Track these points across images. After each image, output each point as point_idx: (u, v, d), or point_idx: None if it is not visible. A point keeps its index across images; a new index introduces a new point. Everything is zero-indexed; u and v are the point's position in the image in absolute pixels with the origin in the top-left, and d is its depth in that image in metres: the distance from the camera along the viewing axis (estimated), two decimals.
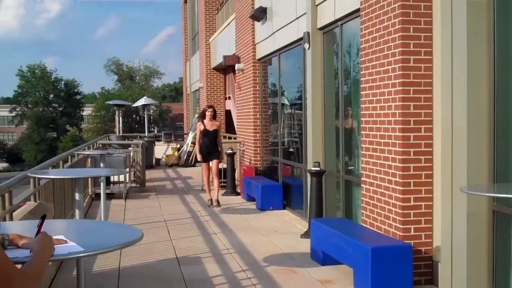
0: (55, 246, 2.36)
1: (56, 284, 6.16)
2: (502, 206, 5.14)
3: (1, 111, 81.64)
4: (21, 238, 2.50)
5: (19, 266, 2.01)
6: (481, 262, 5.24)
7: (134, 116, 66.48)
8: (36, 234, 2.39)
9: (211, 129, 11.33)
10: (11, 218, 5.27)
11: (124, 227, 3.60)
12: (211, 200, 11.29)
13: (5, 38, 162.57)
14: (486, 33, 5.17)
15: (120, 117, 22.77)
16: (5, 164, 70.01)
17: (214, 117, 11.51)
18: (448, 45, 5.45)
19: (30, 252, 2.20)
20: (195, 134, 20.29)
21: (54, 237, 2.40)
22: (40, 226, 2.50)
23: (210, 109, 11.52)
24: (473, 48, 5.17)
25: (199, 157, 11.55)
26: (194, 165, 19.63)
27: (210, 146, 11.30)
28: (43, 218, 2.55)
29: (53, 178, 7.20)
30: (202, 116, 11.66)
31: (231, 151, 12.84)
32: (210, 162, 11.33)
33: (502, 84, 5.13)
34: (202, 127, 11.40)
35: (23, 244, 2.46)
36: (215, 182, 11.34)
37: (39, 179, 6.62)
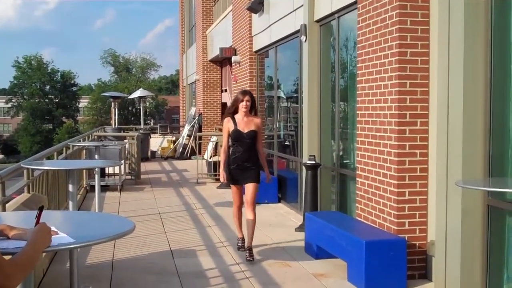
0: None
1: (49, 276, 6.13)
2: (496, 201, 5.14)
3: None
4: (12, 229, 2.47)
5: (8, 257, 1.98)
6: (476, 256, 5.23)
7: (130, 108, 66.34)
8: (35, 225, 2.37)
9: (246, 131, 6.84)
10: (3, 209, 5.25)
11: (116, 219, 3.57)
12: (243, 239, 7.23)
13: (2, 29, 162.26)
14: (483, 27, 5.14)
15: (116, 109, 22.79)
16: (0, 156, 69.80)
17: (251, 110, 6.96)
18: (445, 38, 5.42)
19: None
20: (191, 127, 20.54)
21: None
22: (38, 217, 2.48)
23: (247, 97, 6.87)
24: (470, 42, 5.14)
25: (222, 177, 7.13)
26: (189, 158, 19.61)
27: (244, 158, 6.82)
28: (41, 209, 2.53)
29: (47, 170, 7.16)
30: (232, 110, 6.98)
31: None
32: (244, 185, 6.93)
33: (498, 78, 5.11)
34: (231, 127, 6.88)
35: (13, 235, 2.44)
36: (249, 215, 6.90)
37: (33, 170, 6.57)
